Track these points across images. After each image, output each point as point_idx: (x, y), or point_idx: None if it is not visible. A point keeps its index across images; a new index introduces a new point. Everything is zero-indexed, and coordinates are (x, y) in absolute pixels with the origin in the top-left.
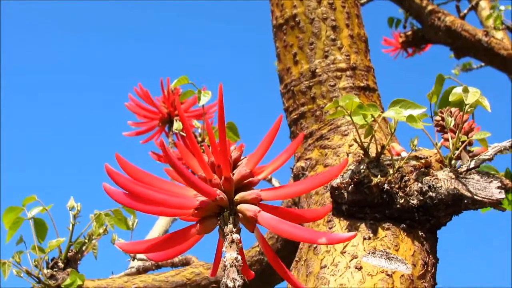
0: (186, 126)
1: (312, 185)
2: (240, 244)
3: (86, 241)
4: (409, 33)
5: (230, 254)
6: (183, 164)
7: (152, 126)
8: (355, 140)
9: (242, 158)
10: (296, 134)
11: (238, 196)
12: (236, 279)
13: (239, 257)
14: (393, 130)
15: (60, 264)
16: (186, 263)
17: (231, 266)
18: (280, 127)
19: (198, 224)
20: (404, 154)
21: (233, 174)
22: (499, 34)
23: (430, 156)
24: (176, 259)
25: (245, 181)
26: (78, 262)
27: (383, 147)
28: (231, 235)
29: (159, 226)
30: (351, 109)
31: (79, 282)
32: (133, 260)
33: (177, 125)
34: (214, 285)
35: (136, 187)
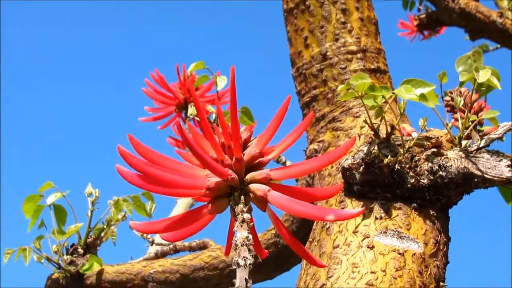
0: (199, 109)
1: (320, 163)
2: (251, 223)
3: (105, 227)
4: (423, 16)
5: (241, 233)
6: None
7: (169, 112)
8: (366, 122)
9: (252, 139)
10: None
11: (248, 176)
12: (247, 258)
13: (250, 236)
14: (402, 110)
15: (80, 250)
16: (203, 247)
17: (242, 245)
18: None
19: (210, 204)
20: (415, 134)
21: (244, 155)
22: None
23: (441, 136)
24: (193, 243)
25: (255, 162)
26: (97, 248)
27: (392, 127)
28: (241, 215)
29: (177, 211)
30: (362, 91)
31: (97, 266)
32: (151, 245)
33: (191, 110)
34: (232, 268)
35: (148, 168)
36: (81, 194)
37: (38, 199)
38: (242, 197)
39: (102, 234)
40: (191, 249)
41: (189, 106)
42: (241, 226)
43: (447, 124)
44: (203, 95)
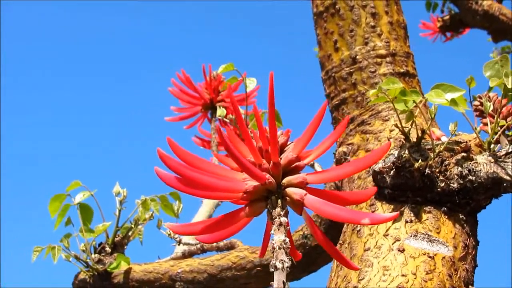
0: (238, 113)
1: (355, 168)
2: (288, 227)
3: (133, 226)
4: (447, 17)
5: (278, 237)
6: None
7: (194, 112)
8: (396, 125)
9: (288, 143)
10: (338, 120)
11: (285, 180)
12: (284, 261)
13: (287, 239)
14: (433, 115)
15: (107, 249)
16: (231, 247)
17: (279, 248)
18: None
19: (247, 207)
20: (444, 138)
21: (281, 159)
22: None
23: (470, 141)
24: (221, 243)
25: (292, 166)
26: (125, 247)
27: (423, 131)
28: (279, 218)
29: (203, 211)
30: (393, 95)
31: (124, 265)
32: (178, 245)
33: (220, 111)
34: (259, 268)
35: (187, 171)
36: (106, 193)
37: (64, 198)
38: (279, 200)
39: (130, 233)
40: (219, 249)
41: (217, 107)
42: (279, 229)
43: (475, 128)
44: (229, 96)
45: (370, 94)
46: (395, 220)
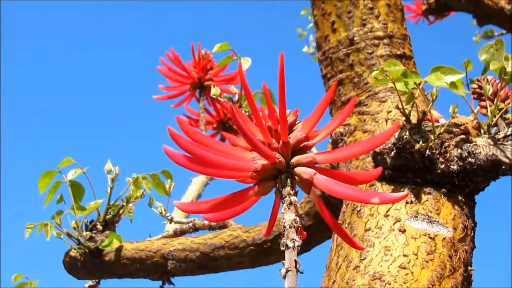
0: (248, 93)
1: (364, 148)
2: (298, 206)
3: (124, 204)
4: (432, 0)
5: (288, 216)
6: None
7: (183, 91)
8: (397, 107)
9: (297, 122)
10: (334, 100)
11: (294, 160)
12: (295, 239)
13: (297, 218)
14: (434, 97)
15: (99, 227)
16: (223, 226)
17: (290, 227)
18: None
19: (256, 186)
20: (442, 120)
21: (289, 138)
22: None
23: (467, 123)
24: (213, 222)
25: (301, 145)
26: (116, 225)
27: (424, 113)
28: (289, 197)
29: (193, 190)
30: (395, 76)
31: (117, 243)
32: (170, 223)
33: (214, 90)
34: (252, 247)
35: (198, 149)
36: (96, 171)
37: (54, 175)
38: (288, 180)
39: (121, 211)
40: (211, 228)
41: (211, 86)
42: (289, 208)
43: (473, 111)
44: (217, 75)
45: (373, 75)
46: None
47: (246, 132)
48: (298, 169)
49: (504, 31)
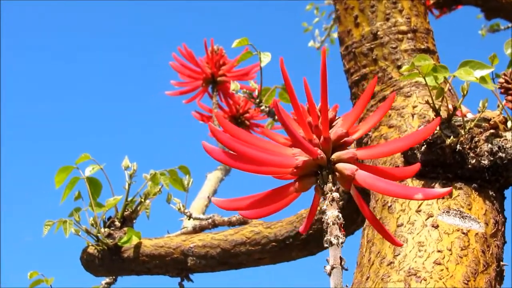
0: (290, 87)
1: (407, 143)
2: (341, 202)
3: (142, 200)
4: None
5: (331, 212)
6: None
7: (195, 86)
8: (427, 102)
9: (336, 118)
10: (357, 95)
11: (334, 156)
12: (339, 236)
13: (340, 215)
14: (465, 92)
15: (117, 223)
16: (243, 222)
17: (333, 223)
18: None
19: (297, 183)
20: (470, 115)
21: (330, 134)
22: None
23: (493, 118)
24: (233, 218)
25: (341, 141)
26: (134, 222)
27: (455, 108)
28: (331, 194)
29: (208, 186)
30: (426, 71)
31: (135, 239)
32: (188, 220)
33: (234, 85)
34: (274, 243)
35: (239, 146)
36: (112, 167)
37: (71, 170)
38: (330, 176)
39: (138, 207)
40: (231, 224)
41: (231, 81)
42: (331, 204)
43: (501, 105)
44: (230, 71)
45: (403, 69)
46: None
47: (291, 128)
48: (339, 165)
49: (510, 25)
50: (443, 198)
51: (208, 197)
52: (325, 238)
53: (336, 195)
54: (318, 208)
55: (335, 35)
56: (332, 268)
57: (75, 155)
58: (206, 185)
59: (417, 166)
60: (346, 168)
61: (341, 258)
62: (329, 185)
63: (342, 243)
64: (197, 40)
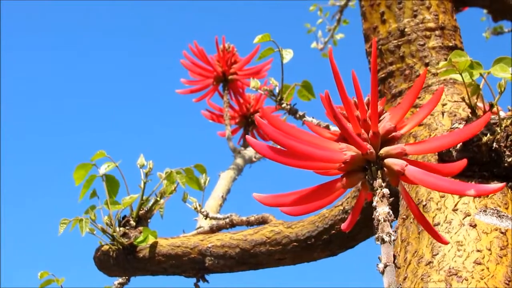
0: (340, 83)
1: (455, 139)
2: (391, 199)
3: (158, 199)
4: None
5: (382, 209)
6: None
7: (206, 85)
8: (463, 99)
9: (384, 112)
10: (383, 93)
11: (383, 151)
12: (391, 233)
13: (391, 211)
14: (503, 89)
15: (132, 223)
16: (263, 222)
17: (384, 220)
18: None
19: (344, 178)
20: (501, 113)
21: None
22: None
23: None
24: (251, 218)
25: (389, 136)
26: (148, 221)
27: (491, 105)
28: (381, 190)
29: (222, 185)
30: (463, 67)
31: (152, 239)
32: (205, 219)
33: (254, 83)
34: (295, 243)
35: (286, 140)
36: (127, 165)
37: (90, 167)
38: (379, 171)
39: (153, 207)
40: (249, 223)
41: (251, 79)
42: (382, 201)
43: None
44: (241, 69)
45: (440, 65)
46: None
47: (343, 122)
48: (389, 161)
49: None
50: (479, 196)
51: (222, 196)
52: (377, 235)
53: (386, 191)
54: (341, 208)
55: (338, 37)
56: (385, 266)
57: (90, 153)
58: (219, 185)
59: (464, 162)
60: (395, 163)
61: (394, 256)
62: (379, 181)
63: (394, 240)
64: (205, 38)
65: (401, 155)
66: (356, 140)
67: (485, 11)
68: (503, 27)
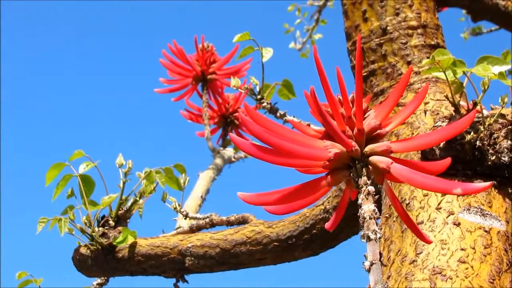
0: (325, 82)
1: (443, 135)
2: (376, 196)
3: (137, 198)
4: None
5: (367, 206)
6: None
7: (185, 84)
8: (446, 97)
9: (369, 110)
10: (365, 91)
11: (368, 148)
12: (376, 231)
13: (376, 209)
14: (486, 87)
15: (111, 222)
16: (243, 221)
17: (370, 218)
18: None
19: (329, 176)
20: (485, 111)
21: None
22: None
23: (507, 114)
24: (232, 217)
25: (374, 133)
26: (128, 221)
27: (475, 104)
28: (366, 187)
29: (201, 185)
30: (446, 65)
31: (131, 239)
32: (185, 219)
33: (234, 81)
34: (276, 243)
35: (271, 137)
36: (106, 164)
37: (62, 167)
38: (364, 169)
39: (132, 206)
40: (229, 223)
41: (231, 77)
42: (367, 198)
43: None
44: (220, 68)
45: (424, 63)
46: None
47: (328, 119)
48: (374, 158)
49: (492, 28)
50: (465, 195)
51: (202, 196)
52: (362, 233)
53: (371, 188)
54: (322, 207)
55: (316, 37)
56: (372, 264)
57: (69, 152)
58: (198, 185)
59: (448, 161)
60: (380, 161)
61: (380, 254)
62: (364, 178)
63: (380, 238)
64: (185, 38)
65: (386, 153)
66: (341, 136)
67: (464, 11)
68: (482, 28)
